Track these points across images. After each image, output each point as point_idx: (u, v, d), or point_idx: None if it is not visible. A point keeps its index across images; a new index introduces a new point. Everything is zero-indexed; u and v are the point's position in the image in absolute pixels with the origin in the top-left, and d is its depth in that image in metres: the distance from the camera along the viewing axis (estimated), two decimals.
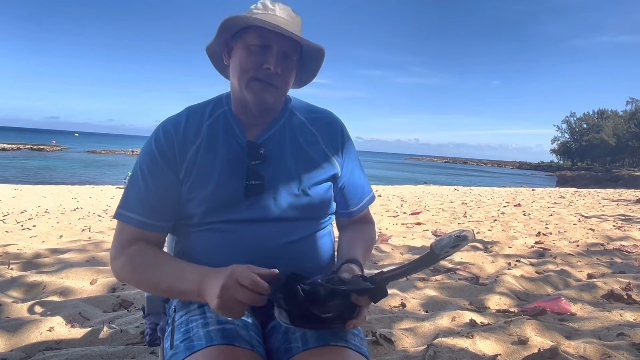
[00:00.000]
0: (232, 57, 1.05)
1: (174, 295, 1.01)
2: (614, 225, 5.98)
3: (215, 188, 1.03)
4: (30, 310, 2.31)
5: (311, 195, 1.07)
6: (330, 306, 0.87)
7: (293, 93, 1.17)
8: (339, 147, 1.14)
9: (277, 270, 0.85)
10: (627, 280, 2.92)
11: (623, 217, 7.09)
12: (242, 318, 0.97)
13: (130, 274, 1.01)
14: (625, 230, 5.47)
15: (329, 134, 1.14)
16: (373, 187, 1.24)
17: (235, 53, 1.04)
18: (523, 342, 1.90)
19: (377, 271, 0.88)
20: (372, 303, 0.90)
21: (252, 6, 1.05)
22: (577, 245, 4.46)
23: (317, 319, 0.87)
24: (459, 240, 0.75)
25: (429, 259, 0.80)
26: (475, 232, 5.19)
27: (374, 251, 4.02)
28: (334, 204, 1.17)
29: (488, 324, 2.17)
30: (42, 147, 53.33)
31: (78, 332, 2.01)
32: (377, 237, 4.72)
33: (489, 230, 5.56)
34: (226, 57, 1.09)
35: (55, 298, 2.51)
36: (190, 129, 1.07)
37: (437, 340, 1.92)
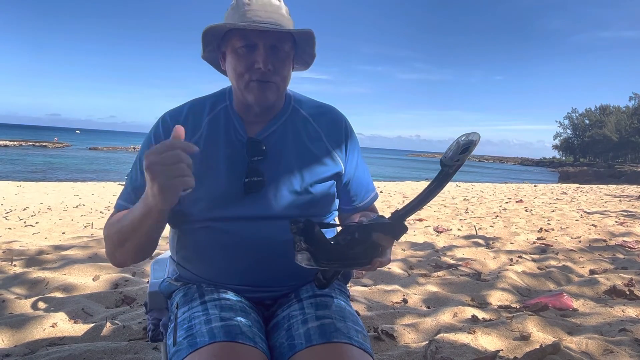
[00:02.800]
0: (226, 61, 1.05)
1: (136, 231, 0.94)
2: (616, 221, 5.96)
3: (214, 185, 1.03)
4: (34, 306, 2.32)
5: (313, 192, 1.07)
6: (352, 248, 0.86)
7: (296, 85, 1.15)
8: (343, 143, 1.13)
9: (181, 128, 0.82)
10: (630, 276, 2.92)
11: (625, 213, 7.07)
12: (245, 314, 0.98)
13: (107, 238, 1.02)
14: (627, 226, 5.46)
15: (332, 131, 1.13)
16: (374, 183, 1.23)
17: (227, 58, 1.04)
18: (525, 337, 1.90)
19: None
20: (395, 240, 0.89)
21: (232, 2, 1.05)
22: (579, 241, 4.45)
23: (342, 255, 0.86)
24: (467, 144, 0.73)
25: (442, 176, 0.78)
26: (477, 228, 5.19)
27: None
28: (336, 201, 1.16)
29: (490, 320, 2.17)
30: (45, 144, 53.42)
31: (81, 328, 2.02)
32: None
33: (491, 226, 5.55)
34: (222, 62, 1.09)
35: (58, 294, 2.52)
36: (190, 122, 1.07)
37: (438, 335, 1.92)
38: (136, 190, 1.06)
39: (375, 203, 1.25)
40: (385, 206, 7.87)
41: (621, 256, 3.76)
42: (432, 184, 0.80)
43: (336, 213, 1.18)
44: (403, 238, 4.57)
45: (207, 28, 1.00)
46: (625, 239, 4.52)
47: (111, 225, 1.02)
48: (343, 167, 1.12)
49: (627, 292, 2.63)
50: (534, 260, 3.56)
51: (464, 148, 0.73)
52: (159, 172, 0.79)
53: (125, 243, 0.97)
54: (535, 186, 17.27)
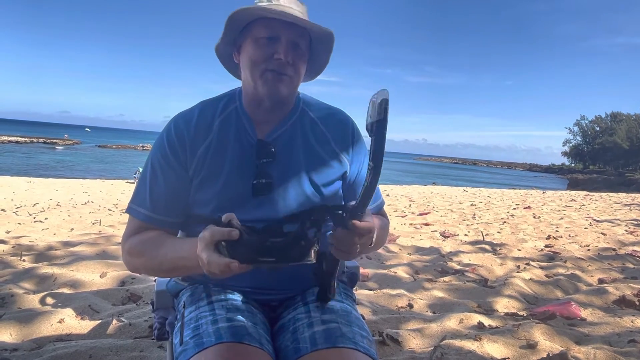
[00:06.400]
0: (242, 53, 1.04)
1: (178, 270, 0.98)
2: (626, 230, 5.89)
3: (223, 186, 1.03)
4: (42, 301, 2.34)
5: (321, 195, 1.06)
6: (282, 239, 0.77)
7: (305, 86, 1.15)
8: (349, 146, 1.13)
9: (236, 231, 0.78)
10: (639, 286, 2.88)
11: (636, 222, 6.98)
12: (251, 315, 0.98)
13: (136, 258, 1.02)
14: (637, 235, 5.39)
15: (340, 134, 1.12)
16: (380, 186, 1.23)
17: (244, 49, 1.03)
18: (532, 346, 1.88)
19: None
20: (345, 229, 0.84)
21: (256, 0, 1.05)
22: (588, 250, 4.40)
23: (263, 248, 0.76)
24: (383, 103, 0.72)
25: (378, 139, 0.76)
26: (484, 234, 5.15)
27: (381, 251, 4.00)
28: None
29: (496, 327, 2.15)
30: (55, 140, 53.99)
31: (87, 325, 2.03)
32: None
33: (498, 232, 5.51)
34: (236, 55, 1.08)
35: (65, 290, 2.55)
36: (202, 125, 1.06)
37: (444, 341, 1.91)
38: (152, 197, 1.04)
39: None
40: (391, 209, 7.85)
41: (631, 266, 3.71)
42: (373, 150, 0.78)
43: None
44: (409, 242, 4.55)
45: (235, 11, 0.98)
46: (635, 248, 4.46)
47: (144, 251, 1.01)
48: (349, 168, 1.12)
49: (637, 303, 2.60)
50: (541, 268, 3.53)
51: (381, 108, 0.73)
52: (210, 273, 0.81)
53: (161, 271, 1.03)
54: (543, 193, 17.14)
